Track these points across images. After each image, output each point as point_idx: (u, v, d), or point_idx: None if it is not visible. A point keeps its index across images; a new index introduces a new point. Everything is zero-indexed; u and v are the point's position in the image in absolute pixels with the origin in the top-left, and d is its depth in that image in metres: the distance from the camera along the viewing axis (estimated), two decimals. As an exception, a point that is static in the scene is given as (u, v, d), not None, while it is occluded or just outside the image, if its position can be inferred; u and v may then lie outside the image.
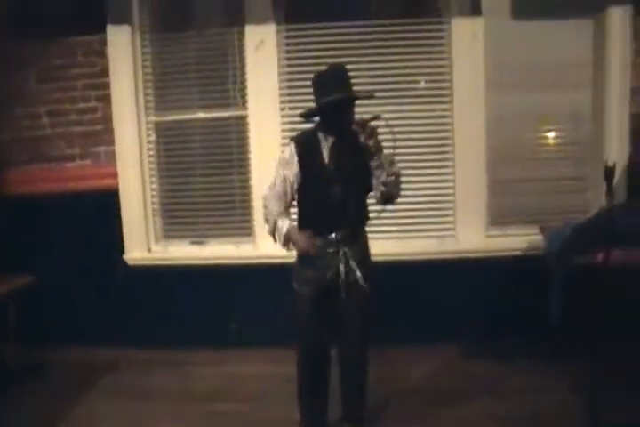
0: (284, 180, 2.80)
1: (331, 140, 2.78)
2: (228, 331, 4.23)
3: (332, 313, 2.84)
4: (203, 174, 4.33)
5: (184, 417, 3.32)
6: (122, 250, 4.29)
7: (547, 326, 3.63)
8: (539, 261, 3.71)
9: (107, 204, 4.24)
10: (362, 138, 2.63)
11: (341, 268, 2.77)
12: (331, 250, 2.78)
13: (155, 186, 4.37)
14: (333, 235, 2.77)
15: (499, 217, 4.16)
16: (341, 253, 2.77)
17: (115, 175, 4.26)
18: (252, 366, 3.93)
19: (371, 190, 2.84)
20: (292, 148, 2.81)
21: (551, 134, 4.17)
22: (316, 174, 2.78)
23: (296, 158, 2.78)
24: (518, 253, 4.01)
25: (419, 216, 4.16)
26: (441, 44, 4.06)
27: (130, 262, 4.29)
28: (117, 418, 3.33)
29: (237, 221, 4.33)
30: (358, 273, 2.77)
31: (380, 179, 2.74)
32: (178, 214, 4.39)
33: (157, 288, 4.25)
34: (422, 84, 4.16)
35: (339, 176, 2.74)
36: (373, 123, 2.67)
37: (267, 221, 2.84)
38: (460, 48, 4.00)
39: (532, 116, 4.12)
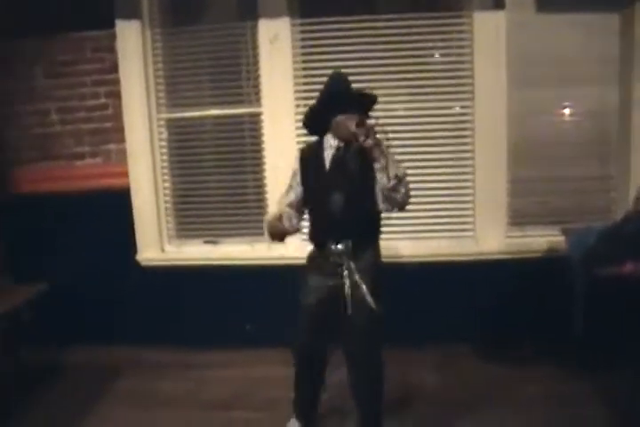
0: (290, 188, 2.84)
1: (335, 146, 2.68)
2: (243, 332, 4.17)
3: (333, 326, 2.73)
4: (216, 173, 4.22)
5: (197, 423, 3.30)
6: (134, 250, 4.21)
7: (568, 336, 3.57)
8: (560, 262, 3.64)
9: (118, 203, 4.14)
10: (361, 139, 2.44)
11: (346, 282, 2.63)
12: (334, 262, 2.67)
13: (167, 184, 4.26)
14: (337, 246, 2.66)
15: (519, 217, 4.05)
16: (345, 266, 2.64)
17: (126, 174, 4.15)
18: (268, 369, 3.84)
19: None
20: (297, 156, 2.83)
21: (575, 132, 4.01)
22: (317, 183, 2.71)
23: (298, 167, 2.78)
24: (539, 254, 3.92)
25: (437, 216, 4.05)
26: (462, 39, 3.91)
27: (143, 263, 4.22)
28: (130, 425, 3.30)
29: (252, 221, 4.22)
30: (364, 289, 2.60)
31: (381, 183, 2.52)
32: (191, 213, 4.29)
33: (171, 289, 4.19)
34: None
35: (339, 184, 2.63)
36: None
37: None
38: (482, 43, 3.85)
39: (556, 114, 3.99)
